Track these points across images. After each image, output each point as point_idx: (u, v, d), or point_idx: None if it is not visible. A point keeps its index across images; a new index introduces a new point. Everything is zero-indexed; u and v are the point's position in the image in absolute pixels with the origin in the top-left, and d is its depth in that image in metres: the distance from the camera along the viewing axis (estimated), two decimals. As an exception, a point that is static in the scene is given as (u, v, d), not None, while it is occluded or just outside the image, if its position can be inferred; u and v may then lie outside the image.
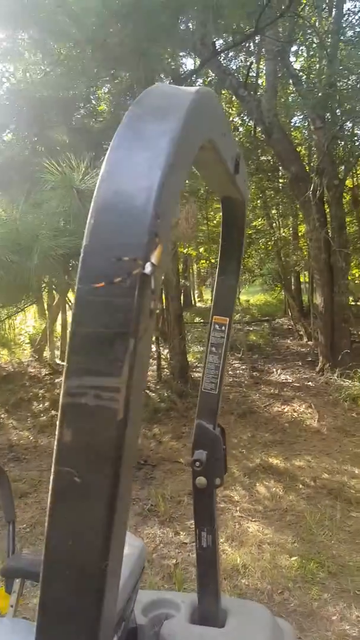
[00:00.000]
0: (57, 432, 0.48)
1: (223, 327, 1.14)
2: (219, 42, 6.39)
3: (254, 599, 3.08)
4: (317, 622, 2.96)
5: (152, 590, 2.37)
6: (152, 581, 3.28)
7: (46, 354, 9.18)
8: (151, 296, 0.47)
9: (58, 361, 8.98)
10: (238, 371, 8.47)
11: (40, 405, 7.13)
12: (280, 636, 1.15)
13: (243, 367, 8.43)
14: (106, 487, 0.47)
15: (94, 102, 6.64)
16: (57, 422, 0.48)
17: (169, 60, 5.23)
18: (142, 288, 0.46)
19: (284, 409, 6.61)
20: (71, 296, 8.10)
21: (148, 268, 0.46)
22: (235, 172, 0.84)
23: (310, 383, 7.55)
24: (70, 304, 8.14)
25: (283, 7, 6.58)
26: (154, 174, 0.48)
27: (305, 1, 8.49)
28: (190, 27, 4.73)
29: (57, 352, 9.26)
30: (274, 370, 8.45)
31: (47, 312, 8.88)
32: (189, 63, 8.96)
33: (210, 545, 1.14)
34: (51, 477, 0.48)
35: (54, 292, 6.81)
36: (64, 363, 0.49)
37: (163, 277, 0.49)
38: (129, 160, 0.49)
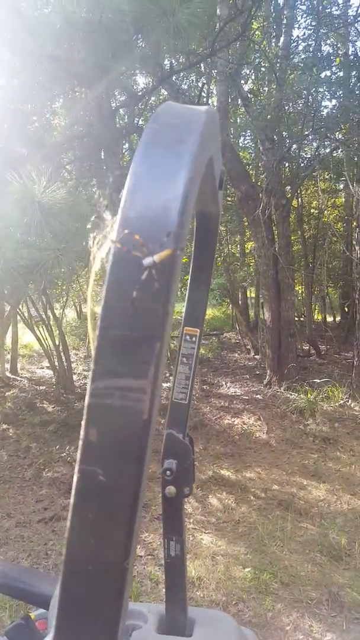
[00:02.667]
0: (82, 432, 0.48)
1: (194, 338, 1.15)
2: (173, 62, 6.52)
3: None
4: (272, 632, 3.01)
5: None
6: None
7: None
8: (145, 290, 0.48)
9: (8, 374, 8.77)
10: (188, 384, 8.50)
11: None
12: None
13: (193, 380, 8.49)
14: (131, 485, 0.48)
15: (48, 115, 6.62)
16: (83, 422, 0.48)
17: (127, 78, 5.31)
18: (167, 292, 0.48)
19: (234, 421, 6.71)
20: (23, 308, 7.98)
21: (147, 260, 0.48)
22: (219, 187, 0.89)
23: (258, 396, 7.70)
24: (21, 315, 8.00)
25: (233, 31, 6.81)
26: (178, 186, 0.50)
27: (256, 26, 8.80)
28: (148, 46, 4.81)
29: (7, 365, 9.06)
30: (224, 383, 8.56)
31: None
32: (140, 81, 9.06)
33: (179, 554, 1.14)
34: (75, 477, 0.48)
35: (5, 304, 6.68)
36: (91, 366, 0.49)
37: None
38: (153, 174, 0.52)
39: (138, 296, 0.48)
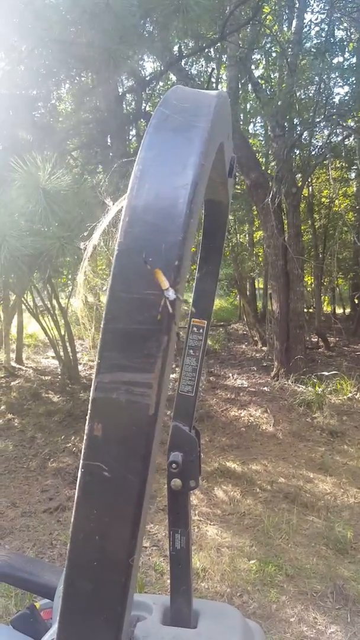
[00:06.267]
0: (86, 427, 0.47)
1: (201, 330, 1.15)
2: (182, 47, 6.44)
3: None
4: (276, 624, 3.01)
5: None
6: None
7: (1, 356, 8.97)
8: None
9: (14, 364, 8.78)
10: (195, 375, 8.48)
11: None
12: (250, 636, 1.16)
13: (200, 371, 8.48)
14: (136, 482, 0.47)
15: (53, 101, 6.55)
16: (87, 417, 0.48)
17: (134, 62, 5.24)
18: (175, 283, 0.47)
19: (241, 413, 6.67)
20: (28, 297, 7.96)
21: (170, 296, 0.47)
22: (229, 175, 0.86)
23: (265, 388, 7.64)
24: (26, 305, 7.99)
25: (244, 15, 6.71)
26: (187, 173, 0.49)
27: (267, 10, 8.66)
28: (156, 30, 4.73)
29: (13, 355, 9.06)
30: (230, 375, 8.52)
31: (2, 313, 8.66)
32: (148, 66, 8.97)
33: (184, 547, 1.14)
34: (79, 472, 0.48)
35: (10, 293, 6.66)
36: (96, 359, 0.49)
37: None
38: (162, 159, 0.50)
39: (144, 287, 0.47)
